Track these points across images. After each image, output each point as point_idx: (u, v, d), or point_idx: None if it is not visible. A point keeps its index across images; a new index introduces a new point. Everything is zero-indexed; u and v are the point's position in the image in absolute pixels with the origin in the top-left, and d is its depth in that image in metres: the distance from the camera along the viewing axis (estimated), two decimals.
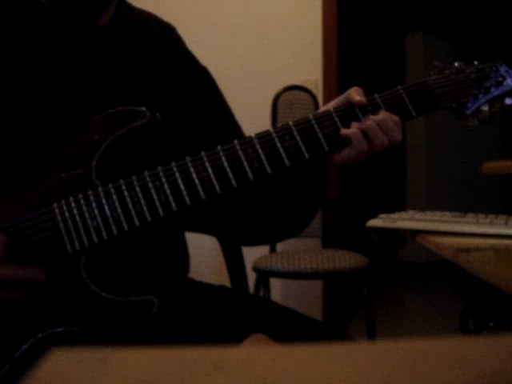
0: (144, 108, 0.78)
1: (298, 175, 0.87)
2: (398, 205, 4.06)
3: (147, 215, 0.75)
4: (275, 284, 2.48)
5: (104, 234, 0.74)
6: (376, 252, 2.68)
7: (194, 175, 0.76)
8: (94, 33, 0.86)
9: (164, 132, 0.89)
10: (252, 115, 2.27)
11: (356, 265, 2.00)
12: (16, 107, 0.79)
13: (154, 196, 0.75)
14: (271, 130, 0.80)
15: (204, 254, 2.34)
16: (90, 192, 0.75)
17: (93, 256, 0.75)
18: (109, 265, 0.81)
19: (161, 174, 0.76)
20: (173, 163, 0.77)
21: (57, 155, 0.77)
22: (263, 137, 0.79)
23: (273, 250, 2.33)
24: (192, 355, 0.23)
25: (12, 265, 0.71)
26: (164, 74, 0.92)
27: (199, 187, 0.76)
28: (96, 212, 0.74)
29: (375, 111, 0.82)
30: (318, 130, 0.80)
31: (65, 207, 0.74)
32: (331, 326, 2.42)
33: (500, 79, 0.85)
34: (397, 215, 1.01)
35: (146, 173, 0.76)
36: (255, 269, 2.05)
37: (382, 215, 1.01)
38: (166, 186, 0.76)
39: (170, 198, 0.75)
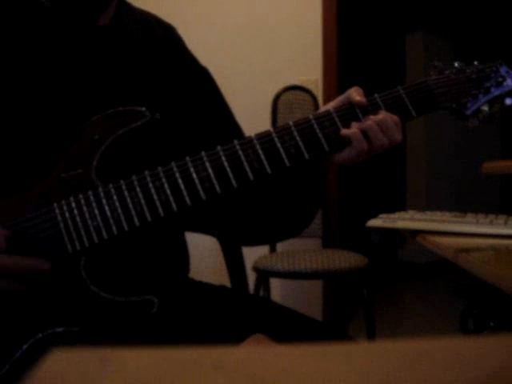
0: (144, 108, 0.78)
1: (298, 175, 0.87)
2: (398, 205, 4.06)
3: (147, 215, 0.75)
4: (275, 284, 2.48)
5: (104, 234, 0.74)
6: (376, 252, 2.68)
7: (194, 175, 0.76)
8: (94, 33, 0.86)
9: (164, 132, 0.89)
10: (252, 115, 2.27)
11: (356, 265, 2.00)
12: (16, 107, 0.79)
13: (155, 196, 0.75)
14: (271, 130, 0.80)
15: (204, 254, 2.34)
16: (90, 192, 0.75)
17: (93, 256, 0.75)
18: (109, 265, 0.81)
19: (161, 174, 0.76)
20: (173, 163, 0.77)
21: (57, 155, 0.77)
22: (263, 137, 0.79)
23: (273, 250, 2.33)
24: (192, 355, 0.23)
25: (14, 256, 0.71)
26: (164, 74, 0.92)
27: (199, 187, 0.76)
28: (96, 212, 0.74)
29: (375, 111, 0.82)
30: (318, 130, 0.80)
31: (65, 207, 0.74)
32: (331, 326, 2.42)
33: (500, 79, 0.85)
34: (397, 215, 1.01)
35: (147, 173, 0.76)
36: (255, 269, 2.05)
37: (382, 215, 1.01)
38: (166, 186, 0.76)
39: (171, 198, 0.75)
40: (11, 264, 0.70)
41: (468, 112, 0.85)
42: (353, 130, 0.80)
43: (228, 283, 1.13)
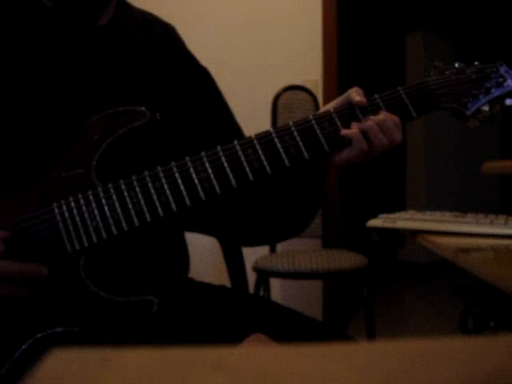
0: (144, 108, 0.78)
1: (298, 176, 0.87)
2: (398, 205, 4.06)
3: (147, 215, 0.75)
4: (275, 284, 2.48)
5: (104, 234, 0.74)
6: (376, 252, 2.68)
7: (193, 175, 0.76)
8: (94, 33, 0.86)
9: (164, 132, 0.89)
10: (252, 115, 2.27)
11: (356, 265, 2.00)
12: (16, 107, 0.79)
13: (154, 196, 0.75)
14: (271, 130, 0.80)
15: (204, 254, 2.34)
16: (89, 192, 0.75)
17: (92, 256, 0.75)
18: (108, 265, 0.81)
19: (161, 174, 0.76)
20: (172, 163, 0.77)
21: (57, 155, 0.77)
22: (263, 137, 0.79)
23: (273, 250, 2.33)
24: (192, 355, 0.23)
25: (11, 260, 0.70)
26: (164, 74, 0.92)
27: (199, 187, 0.76)
28: (96, 212, 0.74)
29: (375, 112, 0.82)
30: (318, 131, 0.80)
31: (64, 207, 0.74)
32: (331, 326, 2.42)
33: (500, 80, 0.85)
34: (397, 215, 1.01)
35: (146, 173, 0.76)
36: (255, 269, 2.05)
37: (382, 215, 1.01)
38: (165, 186, 0.76)
39: (170, 199, 0.75)
40: (7, 269, 0.70)
41: (468, 112, 0.85)
42: (353, 130, 0.80)
43: (228, 283, 1.13)
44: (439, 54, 4.23)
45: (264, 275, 2.10)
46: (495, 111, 0.86)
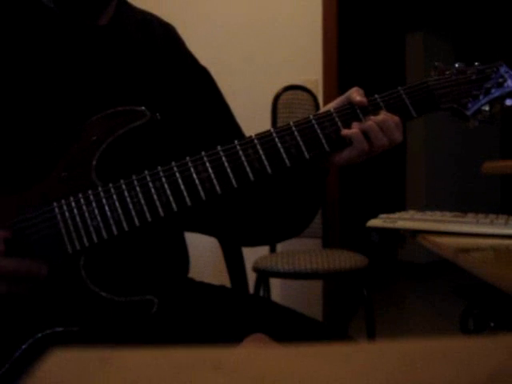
0: (144, 108, 0.78)
1: (299, 176, 0.87)
2: (398, 205, 4.06)
3: (147, 215, 0.75)
4: (275, 284, 2.48)
5: (104, 233, 0.74)
6: (376, 252, 2.68)
7: (194, 175, 0.76)
8: (94, 33, 0.86)
9: (164, 132, 0.89)
10: (252, 115, 2.27)
11: (356, 265, 2.00)
12: (16, 107, 0.79)
13: (155, 196, 0.75)
14: (272, 130, 0.80)
15: (204, 254, 2.34)
16: (90, 192, 0.75)
17: (93, 256, 0.75)
18: (109, 265, 0.81)
19: (161, 173, 0.76)
20: (173, 163, 0.77)
21: (57, 155, 0.77)
22: (264, 137, 0.79)
23: (273, 250, 2.33)
24: (192, 355, 0.23)
25: (11, 258, 0.70)
26: (164, 74, 0.92)
27: (199, 187, 0.76)
28: (96, 212, 0.74)
29: (376, 112, 0.82)
30: (318, 131, 0.80)
31: (65, 207, 0.74)
32: (331, 326, 2.42)
33: (501, 80, 0.85)
34: (397, 215, 1.01)
35: (146, 173, 0.76)
36: (255, 269, 2.05)
37: (382, 215, 1.01)
38: (166, 186, 0.76)
39: (171, 198, 0.75)
40: (7, 267, 0.70)
41: (468, 112, 0.85)
42: (353, 130, 0.80)
43: (228, 283, 1.13)
44: (439, 54, 4.23)
45: (264, 275, 2.10)
46: (495, 111, 0.86)
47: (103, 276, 0.76)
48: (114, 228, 0.74)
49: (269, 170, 0.78)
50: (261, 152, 0.78)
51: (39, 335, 0.72)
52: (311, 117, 0.81)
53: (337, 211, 2.48)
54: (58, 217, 0.74)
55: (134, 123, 0.78)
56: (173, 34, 0.99)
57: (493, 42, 3.96)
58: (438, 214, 0.99)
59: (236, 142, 0.78)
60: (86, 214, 0.74)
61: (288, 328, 0.87)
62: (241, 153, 0.78)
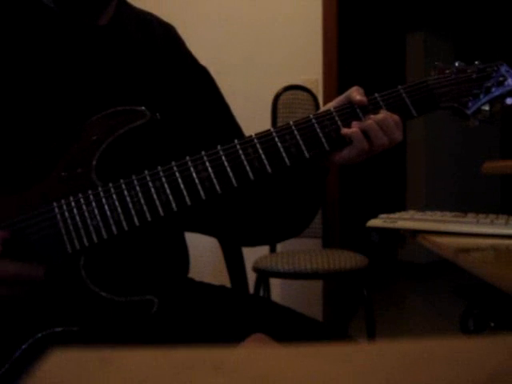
0: (144, 108, 0.78)
1: (299, 175, 0.87)
2: (398, 205, 4.06)
3: (147, 215, 0.75)
4: (275, 284, 2.48)
5: (104, 233, 0.74)
6: (376, 252, 2.68)
7: (194, 175, 0.76)
8: (94, 33, 0.86)
9: (164, 132, 0.89)
10: (252, 115, 2.27)
11: (356, 265, 2.00)
12: (16, 107, 0.79)
13: (154, 196, 0.75)
14: (271, 129, 0.80)
15: (204, 254, 2.34)
16: (89, 192, 0.75)
17: (92, 256, 0.75)
18: (109, 264, 0.81)
19: (161, 173, 0.76)
20: (173, 163, 0.77)
21: (57, 155, 0.77)
22: (264, 136, 0.79)
23: (273, 250, 2.33)
24: (192, 355, 0.23)
25: (8, 260, 0.70)
26: (164, 73, 0.92)
27: (199, 187, 0.76)
28: (96, 212, 0.74)
29: (376, 111, 0.82)
30: (318, 130, 0.80)
31: (65, 207, 0.74)
32: (331, 325, 2.42)
33: (501, 79, 0.85)
34: (397, 215, 1.01)
35: (146, 172, 0.76)
36: (255, 269, 2.05)
37: (382, 215, 1.01)
38: (166, 185, 0.76)
39: (171, 198, 0.75)
40: (4, 270, 0.70)
41: (469, 112, 0.85)
42: (353, 129, 0.80)
43: (228, 283, 1.13)
44: (439, 53, 4.23)
45: (264, 275, 2.10)
46: (495, 110, 0.86)
47: (103, 276, 0.76)
48: (113, 228, 0.74)
49: (269, 170, 0.78)
50: (261, 151, 0.78)
51: (39, 335, 0.72)
52: (311, 116, 0.81)
53: (337, 211, 2.48)
54: (58, 217, 0.74)
55: (134, 123, 0.78)
56: (173, 33, 0.99)
57: (493, 42, 3.96)
58: (438, 214, 0.99)
59: (236, 141, 0.78)
60: (86, 214, 0.74)
61: (288, 328, 0.87)
62: (241, 152, 0.78)
